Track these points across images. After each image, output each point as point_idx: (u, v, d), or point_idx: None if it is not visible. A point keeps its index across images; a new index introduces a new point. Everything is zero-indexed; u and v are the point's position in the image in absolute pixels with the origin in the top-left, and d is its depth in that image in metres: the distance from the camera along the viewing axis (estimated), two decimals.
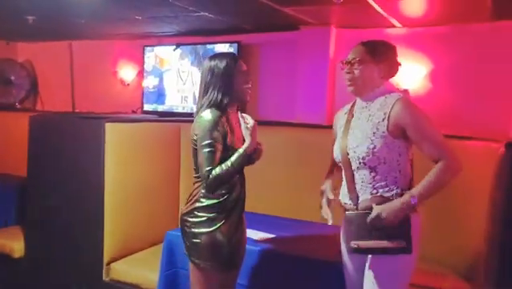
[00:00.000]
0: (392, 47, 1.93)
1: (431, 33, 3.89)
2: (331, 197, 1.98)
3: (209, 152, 1.92)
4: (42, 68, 6.17)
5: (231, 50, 4.44)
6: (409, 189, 1.82)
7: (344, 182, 1.95)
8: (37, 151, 3.32)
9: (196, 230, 2.03)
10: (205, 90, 2.02)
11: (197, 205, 2.04)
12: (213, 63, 2.02)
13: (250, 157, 2.04)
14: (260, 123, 4.18)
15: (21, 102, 6.08)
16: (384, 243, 1.77)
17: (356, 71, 1.87)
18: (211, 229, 2.01)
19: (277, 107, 4.45)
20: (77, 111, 5.83)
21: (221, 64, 2.00)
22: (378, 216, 1.76)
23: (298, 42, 4.29)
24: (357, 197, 1.87)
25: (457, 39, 3.83)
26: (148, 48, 5.06)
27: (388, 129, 1.78)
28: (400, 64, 1.92)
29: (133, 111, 5.25)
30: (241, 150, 1.96)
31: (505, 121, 3.64)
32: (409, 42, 3.98)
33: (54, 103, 5.79)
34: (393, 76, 1.93)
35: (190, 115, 4.48)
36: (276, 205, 3.33)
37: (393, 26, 3.97)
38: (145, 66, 5.10)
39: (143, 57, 5.09)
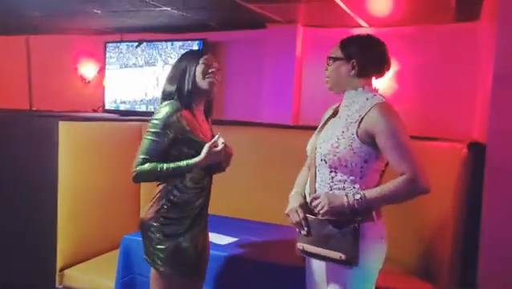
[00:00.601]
0: (372, 44, 1.81)
1: (397, 33, 3.88)
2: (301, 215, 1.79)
3: (150, 140, 1.85)
4: None
5: (195, 47, 4.32)
6: None
7: (309, 177, 1.87)
8: None
9: (160, 236, 1.92)
10: (166, 86, 1.96)
11: (162, 208, 1.93)
12: (177, 60, 1.99)
13: (219, 166, 2.00)
14: (226, 122, 4.11)
15: None
16: (326, 252, 1.70)
17: (329, 68, 1.82)
18: (177, 234, 1.92)
19: (243, 107, 4.37)
20: (34, 108, 5.57)
21: (183, 59, 1.96)
22: (315, 197, 1.71)
23: (265, 40, 4.21)
24: (314, 192, 1.80)
25: (421, 40, 3.85)
26: (111, 44, 4.87)
27: (357, 133, 1.69)
28: (385, 62, 1.80)
29: (94, 110, 5.05)
30: (190, 161, 1.87)
31: (467, 122, 3.67)
32: None
33: (10, 100, 5.49)
34: (374, 75, 1.81)
35: (152, 114, 4.38)
36: (241, 208, 3.25)
37: (360, 26, 3.95)
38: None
39: (104, 53, 4.89)
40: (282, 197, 3.25)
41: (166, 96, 1.94)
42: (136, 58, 4.69)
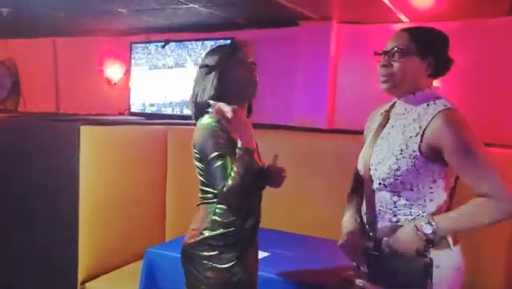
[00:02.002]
0: (445, 38, 1.51)
1: (440, 28, 3.57)
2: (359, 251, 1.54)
3: (219, 165, 1.53)
4: (24, 67, 5.82)
5: None
6: None
7: (364, 200, 1.61)
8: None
9: (209, 264, 1.63)
10: (197, 90, 1.67)
11: (207, 234, 1.63)
12: (206, 59, 1.68)
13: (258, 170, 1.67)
14: (256, 126, 3.90)
15: (2, 102, 5.75)
16: None
17: (396, 65, 1.45)
18: (228, 265, 1.63)
19: (274, 109, 4.13)
20: (61, 111, 5.51)
21: (214, 58, 1.66)
22: (389, 249, 1.43)
23: (297, 38, 3.97)
24: (374, 222, 1.52)
25: (469, 35, 3.52)
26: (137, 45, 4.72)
27: (419, 149, 1.39)
28: (452, 60, 1.49)
29: (120, 113, 4.92)
30: (237, 150, 1.56)
31: None
32: None
33: (38, 103, 5.46)
34: (443, 75, 1.50)
35: (180, 117, 4.24)
36: (271, 217, 3.02)
37: (400, 22, 3.66)
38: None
39: (130, 54, 4.76)
40: (315, 207, 3.03)
41: (200, 106, 1.65)
42: (165, 59, 4.52)
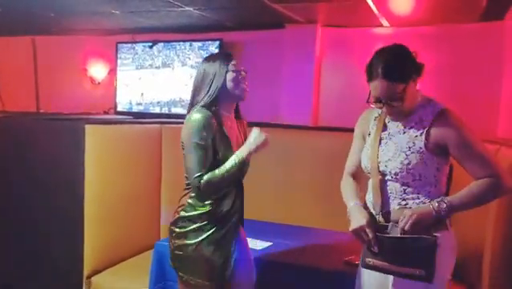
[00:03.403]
0: (407, 51, 1.66)
1: (418, 33, 3.85)
2: (371, 235, 1.68)
3: (197, 155, 1.78)
4: (2, 66, 5.73)
5: (213, 48, 4.25)
6: None
7: (370, 189, 1.81)
8: (2, 159, 3.01)
9: (179, 242, 1.89)
10: (195, 93, 1.91)
11: (182, 214, 1.91)
12: (204, 64, 1.91)
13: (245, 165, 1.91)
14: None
15: None
16: (402, 269, 1.63)
17: (396, 104, 1.61)
18: (195, 241, 1.86)
19: (261, 108, 4.28)
20: (41, 111, 5.46)
21: (212, 64, 1.88)
22: (408, 222, 1.61)
23: (283, 40, 4.15)
24: (382, 206, 1.72)
25: (443, 39, 3.81)
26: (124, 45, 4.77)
27: (425, 146, 1.63)
28: (423, 64, 1.67)
29: (105, 112, 4.96)
30: (239, 154, 1.82)
31: (491, 122, 3.65)
32: (396, 41, 3.93)
33: (17, 102, 5.39)
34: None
35: (170, 116, 4.33)
36: (265, 211, 3.20)
37: (380, 26, 3.91)
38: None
39: (116, 54, 4.80)
40: (306, 199, 3.22)
41: (194, 105, 1.88)
42: (153, 59, 4.60)
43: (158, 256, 2.59)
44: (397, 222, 1.65)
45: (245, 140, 1.92)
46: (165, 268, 2.58)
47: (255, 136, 1.84)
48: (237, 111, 2.03)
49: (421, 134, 1.63)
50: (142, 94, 4.70)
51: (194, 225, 1.87)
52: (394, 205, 1.70)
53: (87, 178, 2.82)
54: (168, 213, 3.65)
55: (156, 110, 4.56)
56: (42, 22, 4.32)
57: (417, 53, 1.69)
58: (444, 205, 1.59)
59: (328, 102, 4.20)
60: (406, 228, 1.61)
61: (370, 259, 1.72)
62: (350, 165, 1.97)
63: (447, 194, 1.73)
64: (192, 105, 1.90)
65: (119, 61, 4.80)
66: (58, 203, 2.85)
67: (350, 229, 1.74)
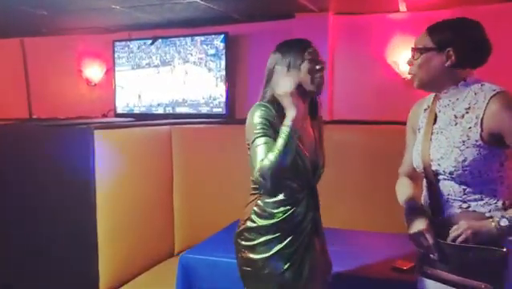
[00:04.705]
0: (469, 26, 1.49)
1: (437, 17, 3.65)
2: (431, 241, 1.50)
3: (260, 144, 1.52)
4: None
5: (217, 42, 4.01)
6: None
7: (425, 190, 1.61)
8: (6, 169, 2.75)
9: (247, 256, 1.65)
10: (266, 83, 1.70)
11: (249, 225, 1.66)
12: (276, 53, 1.69)
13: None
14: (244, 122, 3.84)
15: None
16: (463, 280, 1.43)
17: (416, 62, 1.51)
18: (264, 255, 1.62)
19: None
20: (34, 116, 5.18)
21: (284, 53, 1.65)
22: (461, 235, 1.42)
23: (293, 31, 3.91)
24: (439, 210, 1.53)
25: None
26: (120, 43, 4.50)
27: (481, 137, 1.40)
28: (486, 46, 1.49)
29: (104, 115, 4.70)
30: (284, 126, 1.53)
31: None
32: (413, 27, 3.74)
33: (7, 108, 5.09)
34: (474, 63, 1.50)
35: (176, 116, 4.09)
36: None
37: (397, 11, 3.71)
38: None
39: (113, 53, 4.53)
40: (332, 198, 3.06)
41: (261, 100, 1.67)
42: (151, 57, 4.34)
43: (184, 270, 2.39)
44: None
45: (321, 140, 1.71)
46: (192, 281, 2.38)
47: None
48: (311, 108, 1.75)
49: (475, 124, 1.41)
50: (139, 96, 4.45)
51: (263, 238, 1.62)
52: (455, 209, 1.49)
53: (99, 186, 2.60)
54: (181, 220, 3.45)
55: (160, 111, 4.31)
56: (32, 21, 4.03)
57: (486, 42, 1.48)
58: (507, 223, 1.37)
59: (342, 94, 3.99)
60: (457, 242, 1.43)
61: (428, 267, 1.53)
62: (404, 164, 1.78)
63: None
64: (272, 98, 1.65)
65: (116, 61, 4.53)
66: (69, 216, 2.63)
67: (408, 233, 1.55)
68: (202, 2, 3.29)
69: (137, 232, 2.93)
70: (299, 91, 1.60)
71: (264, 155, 1.51)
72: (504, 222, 1.38)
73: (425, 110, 1.64)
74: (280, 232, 1.62)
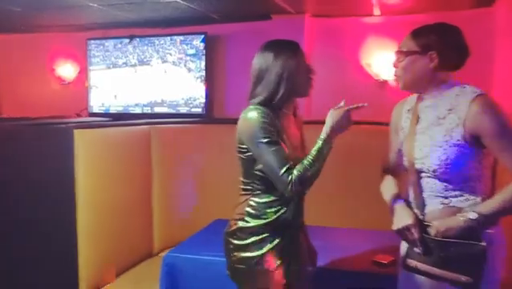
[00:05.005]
0: (449, 31, 1.59)
1: (409, 21, 3.77)
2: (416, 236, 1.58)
3: (274, 150, 1.56)
4: None
5: (197, 42, 4.02)
6: (490, 196, 1.54)
7: (408, 187, 1.69)
8: None
9: (240, 255, 1.69)
10: (253, 86, 1.69)
11: (241, 225, 1.69)
12: (266, 53, 1.69)
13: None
14: (228, 121, 3.88)
15: None
16: (446, 274, 1.51)
17: (400, 65, 1.60)
18: (258, 253, 1.67)
19: (246, 104, 4.12)
20: (4, 116, 5.03)
21: (281, 57, 1.65)
22: (437, 233, 1.52)
23: (270, 32, 3.95)
24: (423, 206, 1.61)
25: None
26: (94, 42, 4.43)
27: (463, 137, 1.49)
28: (466, 51, 1.59)
29: (78, 114, 4.61)
30: (320, 140, 1.60)
31: None
32: (386, 31, 3.87)
33: None
34: (458, 67, 1.60)
35: (153, 116, 4.06)
36: None
37: (371, 15, 3.82)
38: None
39: (87, 52, 4.46)
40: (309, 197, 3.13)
41: (252, 99, 1.69)
42: (128, 56, 4.30)
43: (168, 269, 2.41)
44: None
45: (301, 139, 1.76)
46: (177, 280, 2.40)
47: (331, 115, 1.63)
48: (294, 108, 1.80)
49: (458, 125, 1.49)
50: (116, 95, 4.39)
51: (256, 237, 1.67)
52: (437, 205, 1.58)
53: (78, 186, 2.57)
54: (160, 219, 3.43)
55: (137, 110, 4.27)
56: (5, 18, 3.92)
57: (465, 46, 1.58)
58: (475, 216, 1.45)
59: (320, 95, 4.06)
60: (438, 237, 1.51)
61: (412, 261, 1.61)
62: (387, 163, 1.85)
63: (493, 189, 1.62)
64: (252, 96, 1.69)
65: (90, 59, 4.46)
66: (49, 216, 2.58)
67: (394, 228, 1.63)
68: (183, 2, 3.29)
69: (117, 232, 2.91)
70: (289, 92, 1.64)
71: (281, 162, 1.55)
72: (473, 216, 1.46)
73: (408, 110, 1.71)
74: (272, 231, 1.67)
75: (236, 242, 1.70)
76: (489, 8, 3.55)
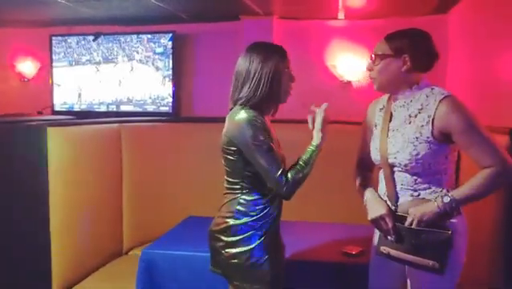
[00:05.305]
0: (420, 37, 1.71)
1: (370, 26, 3.98)
2: (390, 225, 1.70)
3: (270, 153, 1.63)
4: None
5: (165, 41, 4.03)
6: (454, 189, 1.68)
7: (382, 179, 1.82)
8: None
9: (232, 250, 1.75)
10: (238, 87, 1.72)
11: (232, 222, 1.74)
12: (252, 57, 1.70)
13: None
14: (197, 120, 3.92)
15: None
16: (416, 259, 1.65)
17: (375, 67, 1.70)
18: (248, 248, 1.73)
19: (215, 103, 4.15)
20: None
21: (270, 61, 1.69)
22: (413, 220, 1.64)
23: (238, 33, 4.06)
24: (394, 198, 1.75)
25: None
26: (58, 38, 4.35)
27: (432, 134, 1.61)
28: (435, 54, 1.69)
29: (39, 112, 4.50)
30: (312, 146, 1.70)
31: None
32: (350, 34, 4.05)
33: None
34: (428, 69, 1.70)
35: (120, 114, 4.03)
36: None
37: (335, 18, 3.98)
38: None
39: (50, 48, 4.36)
40: None
41: (240, 100, 1.70)
42: (92, 53, 4.24)
43: (146, 264, 2.40)
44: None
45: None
46: (154, 277, 2.41)
47: (324, 124, 1.72)
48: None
49: (427, 123, 1.62)
50: (80, 93, 4.33)
51: (246, 233, 1.73)
52: (407, 197, 1.71)
53: (52, 184, 2.54)
54: (130, 218, 3.42)
55: (102, 109, 4.23)
56: None
57: (435, 50, 1.69)
58: (448, 200, 1.60)
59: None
60: (414, 225, 1.63)
61: (385, 247, 1.74)
62: (360, 158, 1.97)
63: (456, 181, 1.78)
64: (233, 101, 1.72)
65: (53, 56, 4.37)
66: (22, 215, 2.54)
67: (369, 218, 1.75)
68: (152, 1, 3.31)
69: (88, 231, 2.89)
70: (271, 96, 1.71)
71: (277, 165, 1.63)
72: (446, 199, 1.60)
73: (381, 109, 1.83)
74: (259, 227, 1.74)
75: (227, 238, 1.75)
76: (445, 15, 3.79)
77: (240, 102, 1.70)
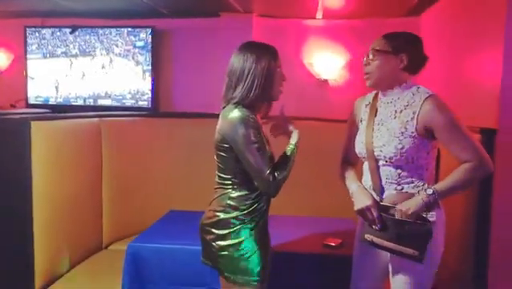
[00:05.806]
0: (417, 39, 1.85)
1: (348, 26, 4.10)
2: (375, 214, 1.81)
3: (260, 152, 1.71)
4: None
5: (144, 35, 4.02)
6: (434, 184, 1.81)
7: (367, 173, 1.91)
8: None
9: (222, 243, 1.82)
10: (237, 84, 1.77)
11: (223, 216, 1.82)
12: (248, 54, 1.77)
13: None
14: (176, 115, 3.94)
15: None
16: (398, 247, 1.76)
17: (373, 63, 1.81)
18: (238, 240, 1.81)
19: (194, 99, 4.20)
20: None
21: (263, 60, 1.76)
22: (401, 213, 1.76)
23: (218, 29, 4.10)
24: (379, 191, 1.85)
25: (370, 33, 4.08)
26: (32, 29, 4.26)
27: (416, 130, 1.74)
28: (426, 58, 1.83)
29: (12, 105, 4.40)
30: (292, 145, 1.82)
31: None
32: (327, 33, 4.15)
33: None
34: (417, 71, 1.84)
35: (97, 108, 3.98)
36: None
37: (313, 18, 4.07)
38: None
39: (25, 40, 4.27)
40: None
41: (233, 99, 1.76)
42: (68, 45, 4.18)
43: (132, 258, 2.45)
44: (396, 204, 1.77)
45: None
46: (141, 270, 2.45)
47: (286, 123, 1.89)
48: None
49: (412, 119, 1.74)
50: (56, 86, 4.26)
51: (237, 227, 1.81)
52: (391, 190, 1.82)
53: (34, 178, 2.54)
54: (109, 213, 3.43)
55: (79, 102, 4.18)
56: None
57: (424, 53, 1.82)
58: (431, 192, 1.72)
59: None
60: (403, 218, 1.75)
61: (369, 235, 1.85)
62: (345, 152, 2.07)
63: (436, 177, 1.90)
64: (226, 100, 1.78)
65: (27, 48, 4.26)
66: (4, 208, 2.52)
67: (355, 208, 1.86)
68: None
69: (69, 226, 2.89)
70: (264, 95, 1.78)
71: (266, 164, 1.72)
72: (430, 191, 1.72)
73: (366, 105, 1.95)
74: (249, 220, 1.82)
75: (217, 231, 1.82)
76: (417, 17, 3.95)
77: (234, 101, 1.75)
